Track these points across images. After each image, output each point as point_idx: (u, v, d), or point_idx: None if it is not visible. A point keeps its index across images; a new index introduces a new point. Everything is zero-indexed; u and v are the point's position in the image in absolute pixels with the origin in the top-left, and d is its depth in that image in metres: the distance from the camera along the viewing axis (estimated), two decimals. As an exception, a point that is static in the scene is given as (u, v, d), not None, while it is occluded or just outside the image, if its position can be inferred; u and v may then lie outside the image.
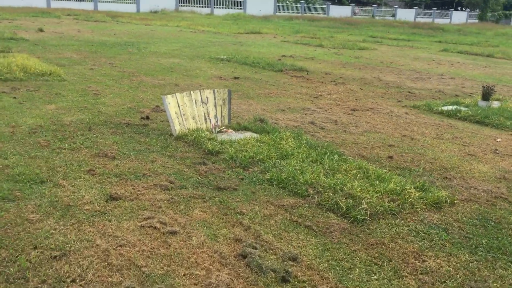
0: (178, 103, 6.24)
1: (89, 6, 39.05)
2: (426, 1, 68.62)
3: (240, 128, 6.61)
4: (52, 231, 3.50)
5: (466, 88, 11.15)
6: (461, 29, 39.80)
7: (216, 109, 6.63)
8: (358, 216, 3.95)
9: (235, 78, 10.77)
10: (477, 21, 59.93)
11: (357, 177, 4.77)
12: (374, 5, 60.55)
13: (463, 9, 66.48)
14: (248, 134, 6.31)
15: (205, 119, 6.51)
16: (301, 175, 4.73)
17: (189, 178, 4.74)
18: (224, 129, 6.48)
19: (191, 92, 6.40)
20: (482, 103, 8.66)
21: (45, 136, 5.79)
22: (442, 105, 8.74)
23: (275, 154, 5.41)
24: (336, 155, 5.46)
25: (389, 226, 3.88)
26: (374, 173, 4.87)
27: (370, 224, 3.90)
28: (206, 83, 10.03)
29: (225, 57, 14.08)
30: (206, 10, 44.97)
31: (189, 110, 6.35)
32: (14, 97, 7.65)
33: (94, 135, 5.97)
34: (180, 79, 10.28)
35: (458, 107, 8.45)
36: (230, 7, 47.68)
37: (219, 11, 45.15)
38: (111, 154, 5.25)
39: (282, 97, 9.07)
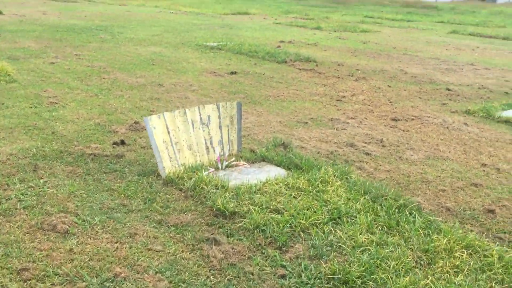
0: (167, 127, 4.22)
1: (59, -16, 35.99)
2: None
3: (257, 158, 4.63)
4: None
5: (510, 81, 9.30)
6: (454, 7, 38.02)
7: (221, 132, 4.62)
8: None
9: (232, 73, 8.73)
10: (463, -2, 58.23)
11: (472, 267, 2.87)
12: (360, -17, 58.40)
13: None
14: (271, 171, 4.34)
15: (207, 147, 4.51)
16: (382, 271, 2.80)
17: (193, 279, 2.77)
18: (235, 162, 4.50)
19: (186, 110, 4.37)
20: (551, 107, 6.82)
21: (-39, 188, 3.75)
22: (500, 108, 6.88)
23: (323, 215, 3.47)
24: (415, 213, 3.54)
25: None
26: (499, 258, 2.98)
27: None
28: (197, 81, 7.98)
29: (215, 44, 11.96)
30: (186, -11, 42.21)
31: (183, 137, 4.33)
32: None
33: (41, 181, 3.93)
34: (164, 76, 8.20)
35: (526, 113, 6.60)
36: (211, -15, 44.94)
37: (200, -10, 42.44)
38: (63, 226, 3.23)
39: (297, 100, 7.08)
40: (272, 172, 4.32)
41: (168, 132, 4.23)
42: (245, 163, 4.53)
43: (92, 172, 4.20)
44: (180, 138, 4.30)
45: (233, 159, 4.54)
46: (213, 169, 4.34)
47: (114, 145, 4.86)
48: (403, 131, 5.78)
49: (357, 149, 5.05)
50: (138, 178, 4.12)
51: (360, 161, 4.71)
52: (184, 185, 3.92)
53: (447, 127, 5.97)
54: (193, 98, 6.82)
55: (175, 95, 6.94)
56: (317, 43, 13.45)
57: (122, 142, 4.93)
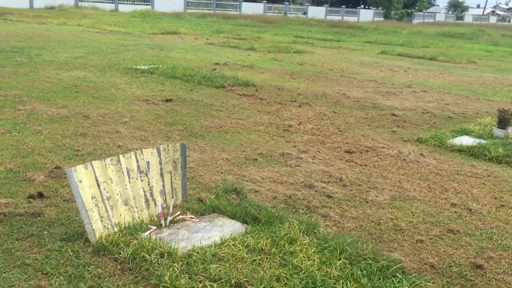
0: (97, 179, 3.44)
1: (-29, 1, 33.35)
2: (332, -1, 69.04)
3: (206, 209, 3.95)
4: None
5: (450, 105, 9.27)
6: (377, 27, 39.50)
7: (163, 181, 3.90)
8: None
9: (167, 100, 7.98)
10: (382, 19, 61.09)
11: None
12: (286, 2, 59.53)
13: (367, 7, 67.76)
14: (225, 226, 3.67)
15: (147, 200, 3.77)
16: None
17: None
18: (180, 216, 3.79)
19: (120, 157, 3.61)
20: (499, 132, 6.70)
21: None
22: (451, 136, 6.66)
23: (296, 287, 2.85)
24: (401, 276, 3.01)
25: None
26: None
27: None
28: (129, 110, 7.16)
29: (146, 67, 11.14)
30: (110, 6, 40.72)
31: (117, 190, 3.57)
32: None
33: None
34: (90, 105, 7.30)
35: (478, 140, 6.40)
36: (137, 3, 43.72)
37: (125, 7, 41.11)
38: (-45, 333, 2.37)
39: (242, 131, 6.48)
40: (226, 228, 3.66)
41: (98, 186, 3.45)
42: (193, 216, 3.83)
43: (0, 239, 3.33)
44: (114, 192, 3.53)
45: (179, 212, 3.83)
46: (155, 227, 3.60)
47: (30, 199, 3.98)
48: (361, 165, 5.33)
49: (317, 190, 4.50)
50: (60, 245, 3.30)
51: (323, 206, 4.16)
52: (120, 253, 3.16)
53: (404, 159, 5.60)
54: (125, 133, 6.02)
55: (103, 129, 6.10)
56: (253, 65, 12.99)
57: (40, 195, 4.06)
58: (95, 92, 8.23)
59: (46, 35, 17.20)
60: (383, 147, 6.04)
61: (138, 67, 11.14)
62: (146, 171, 3.75)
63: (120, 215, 3.55)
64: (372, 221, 3.95)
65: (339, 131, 6.81)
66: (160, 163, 3.87)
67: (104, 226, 3.44)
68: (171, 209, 3.78)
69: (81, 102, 7.45)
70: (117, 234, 3.38)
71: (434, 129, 7.17)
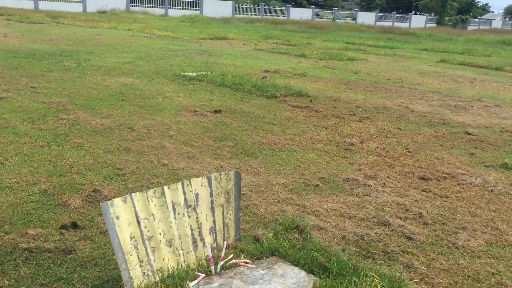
0: (137, 215, 2.87)
1: (28, 5, 34.22)
2: (383, 4, 67.30)
3: (264, 251, 3.31)
4: None
5: (530, 123, 8.28)
6: (431, 34, 37.93)
7: (214, 216, 3.30)
8: None
9: (215, 111, 7.43)
10: (435, 25, 58.94)
11: None
12: (335, 8, 58.46)
13: (419, 13, 65.61)
14: (287, 276, 3.03)
15: (194, 241, 3.17)
16: None
17: None
18: (233, 260, 3.17)
19: (164, 188, 3.03)
20: None
21: None
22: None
23: None
24: None
25: None
26: None
27: None
28: (175, 122, 6.65)
29: (194, 74, 10.68)
30: (160, 11, 41.06)
31: (161, 228, 2.99)
32: None
33: None
34: (136, 115, 6.84)
35: None
36: (186, 7, 43.95)
37: (174, 12, 41.35)
38: None
39: (298, 150, 5.82)
40: (289, 278, 3.01)
41: (139, 223, 2.88)
42: (248, 261, 3.20)
43: (23, 284, 2.81)
44: (156, 231, 2.95)
45: (231, 255, 3.21)
46: (204, 275, 3.00)
47: (62, 230, 3.47)
48: (441, 197, 4.55)
49: (393, 230, 3.78)
50: (91, 295, 2.74)
51: (404, 252, 3.44)
52: (163, 313, 2.56)
53: (492, 191, 4.78)
54: (171, 148, 5.49)
55: (148, 144, 5.59)
56: (305, 73, 12.31)
57: (74, 225, 3.55)
58: (141, 101, 7.79)
59: (96, 39, 17.15)
60: (464, 174, 5.22)
61: (186, 73, 10.69)
62: (194, 205, 3.15)
63: (163, 259, 2.97)
64: (468, 275, 3.20)
65: (409, 152, 6.03)
66: (211, 195, 3.27)
67: (144, 273, 2.86)
68: (223, 253, 3.17)
69: (126, 112, 7.01)
70: (159, 284, 2.80)
71: (516, 151, 6.27)
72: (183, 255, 3.08)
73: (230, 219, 3.42)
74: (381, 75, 13.08)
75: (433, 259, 3.38)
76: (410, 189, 4.72)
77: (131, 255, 2.82)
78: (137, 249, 2.86)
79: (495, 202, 4.51)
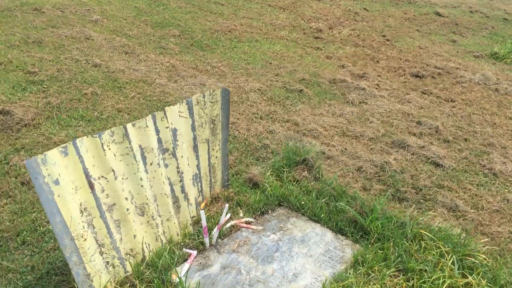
0: (87, 174, 1.77)
1: None
2: None
3: (268, 201, 2.39)
4: None
5: (494, 0, 7.61)
6: None
7: (197, 157, 2.26)
8: None
9: None
10: None
11: None
12: None
13: None
14: (310, 239, 2.18)
15: (176, 200, 2.16)
16: None
17: None
18: (232, 221, 2.22)
19: (128, 127, 1.89)
20: None
21: None
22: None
23: None
24: None
25: None
26: None
27: None
28: (97, 0, 5.13)
29: None
30: None
31: (127, 190, 1.92)
32: None
33: None
34: (41, -8, 5.16)
35: None
36: None
37: None
38: None
39: (260, 39, 4.70)
40: (314, 247, 2.16)
41: (91, 186, 1.79)
42: (251, 219, 2.28)
43: None
44: (120, 195, 1.89)
45: (228, 215, 2.25)
46: (195, 251, 2.05)
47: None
48: (446, 101, 3.80)
49: (414, 153, 3.00)
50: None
51: (439, 187, 2.70)
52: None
53: (497, 90, 4.11)
54: (99, 40, 4.13)
55: (66, 33, 4.17)
56: None
57: None
58: None
59: None
60: (458, 68, 4.48)
61: None
62: (173, 147, 2.08)
63: (134, 235, 1.95)
64: (521, 216, 2.54)
65: (387, 40, 5.13)
66: (193, 129, 2.20)
67: (108, 263, 1.85)
68: (223, 219, 2.19)
69: None
70: (132, 280, 1.82)
71: (495, 36, 5.62)
72: (162, 224, 2.08)
73: (217, 157, 2.41)
74: None
75: (475, 195, 2.67)
76: (409, 91, 3.90)
77: (85, 239, 1.78)
78: (93, 228, 1.81)
79: (507, 105, 3.84)
